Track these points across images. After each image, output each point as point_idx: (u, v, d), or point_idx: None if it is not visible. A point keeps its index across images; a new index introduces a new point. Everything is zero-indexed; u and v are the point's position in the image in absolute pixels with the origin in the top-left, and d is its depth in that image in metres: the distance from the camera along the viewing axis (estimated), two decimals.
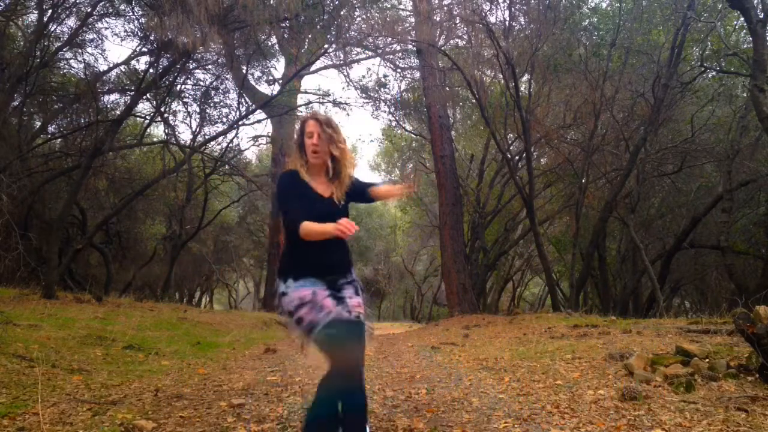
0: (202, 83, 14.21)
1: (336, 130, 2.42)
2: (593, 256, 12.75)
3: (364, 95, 16.52)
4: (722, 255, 11.44)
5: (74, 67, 13.16)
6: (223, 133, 14.27)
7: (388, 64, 16.58)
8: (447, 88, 13.99)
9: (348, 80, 23.82)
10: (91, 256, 15.32)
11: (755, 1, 8.69)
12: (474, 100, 13.05)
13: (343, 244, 2.40)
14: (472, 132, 18.35)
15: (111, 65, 14.49)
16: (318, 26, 12.05)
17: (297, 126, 2.51)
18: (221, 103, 14.63)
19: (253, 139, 25.68)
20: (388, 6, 14.85)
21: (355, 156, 2.64)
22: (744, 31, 11.50)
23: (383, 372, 5.34)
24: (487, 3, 12.36)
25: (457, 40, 13.76)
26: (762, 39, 8.20)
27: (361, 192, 2.57)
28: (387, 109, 16.94)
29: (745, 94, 11.74)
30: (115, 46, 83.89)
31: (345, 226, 2.12)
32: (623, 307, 12.97)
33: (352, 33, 12.92)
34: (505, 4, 12.20)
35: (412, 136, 19.29)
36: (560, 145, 13.58)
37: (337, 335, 2.22)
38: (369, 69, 32.24)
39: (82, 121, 12.62)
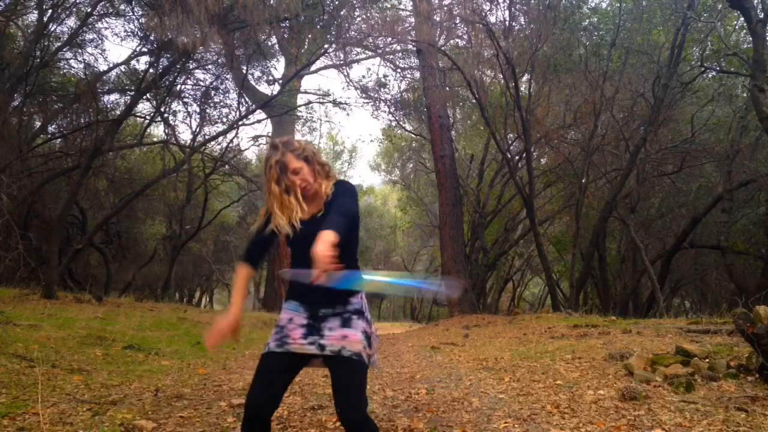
0: (202, 83, 14.20)
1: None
2: (593, 256, 12.75)
3: (364, 95, 16.53)
4: (722, 255, 11.45)
5: (74, 67, 13.18)
6: (223, 133, 14.27)
7: (388, 64, 16.62)
8: (447, 88, 13.99)
9: (348, 80, 23.88)
10: (91, 256, 15.32)
11: (755, 1, 8.69)
12: (474, 100, 13.04)
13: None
14: (472, 132, 18.35)
15: (111, 65, 14.51)
16: (318, 26, 12.05)
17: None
18: (221, 103, 14.63)
19: (253, 139, 25.70)
20: (388, 6, 14.86)
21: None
22: (744, 31, 11.50)
23: (383, 372, 5.34)
24: (487, 3, 12.38)
25: (457, 40, 13.76)
26: (762, 39, 8.20)
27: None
28: (387, 109, 16.98)
29: (745, 94, 11.74)
30: (115, 46, 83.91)
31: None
32: (623, 307, 12.97)
33: (352, 33, 12.94)
34: (505, 4, 12.22)
35: (412, 136, 19.29)
36: (560, 145, 13.57)
37: (257, 371, 2.08)
38: (369, 69, 32.31)
39: (82, 121, 12.61)
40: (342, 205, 2.02)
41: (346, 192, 2.11)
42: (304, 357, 2.09)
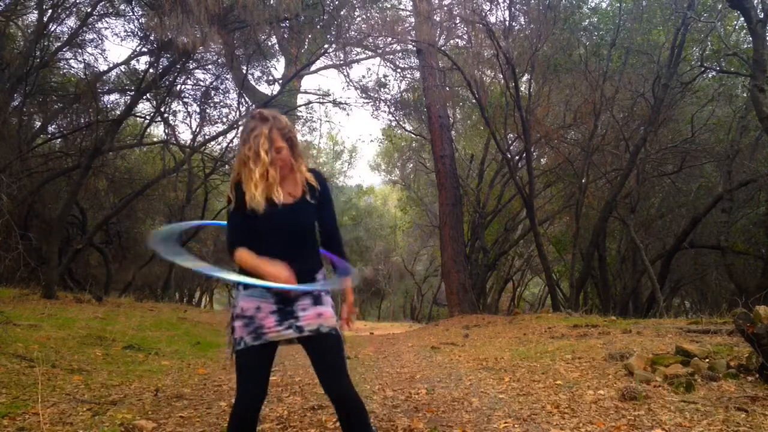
0: (202, 83, 14.22)
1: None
2: (593, 256, 12.75)
3: (364, 95, 16.52)
4: (722, 255, 11.45)
5: (74, 67, 13.18)
6: (223, 133, 14.29)
7: (388, 64, 16.60)
8: (447, 88, 13.98)
9: (348, 80, 23.82)
10: (91, 256, 15.31)
11: (755, 1, 8.69)
12: (474, 100, 13.04)
13: (301, 252, 2.10)
14: (472, 132, 18.34)
15: (111, 65, 14.49)
16: (318, 26, 12.06)
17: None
18: (221, 103, 14.65)
19: None
20: (388, 6, 14.85)
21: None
22: (744, 31, 11.50)
23: (383, 372, 5.34)
24: (487, 3, 12.38)
25: (457, 40, 13.76)
26: (762, 39, 8.20)
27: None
28: (387, 109, 16.96)
29: (745, 94, 11.74)
30: (115, 46, 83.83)
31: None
32: (623, 307, 12.97)
33: (352, 33, 12.94)
34: (505, 4, 12.22)
35: (412, 136, 19.28)
36: (560, 145, 13.57)
37: (241, 369, 2.04)
38: (369, 69, 32.22)
39: (82, 121, 12.61)
40: (338, 229, 2.27)
41: (331, 198, 2.23)
42: (278, 341, 2.10)
